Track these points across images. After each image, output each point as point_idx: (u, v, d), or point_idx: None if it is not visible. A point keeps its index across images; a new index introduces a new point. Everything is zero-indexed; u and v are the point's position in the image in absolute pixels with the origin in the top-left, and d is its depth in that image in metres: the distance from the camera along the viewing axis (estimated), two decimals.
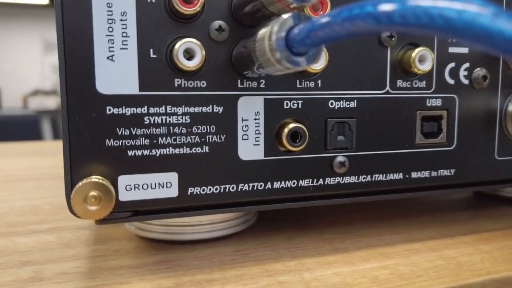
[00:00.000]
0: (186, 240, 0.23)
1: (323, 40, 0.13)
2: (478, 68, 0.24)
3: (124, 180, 0.19)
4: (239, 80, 0.20)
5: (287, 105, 0.21)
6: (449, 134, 0.24)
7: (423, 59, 0.22)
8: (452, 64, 0.23)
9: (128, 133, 0.19)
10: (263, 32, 0.15)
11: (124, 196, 0.19)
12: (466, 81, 0.24)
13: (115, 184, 0.19)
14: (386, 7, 0.11)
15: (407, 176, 0.23)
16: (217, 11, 0.19)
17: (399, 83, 0.22)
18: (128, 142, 0.19)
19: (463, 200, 0.32)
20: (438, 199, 0.32)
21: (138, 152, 0.19)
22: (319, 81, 0.21)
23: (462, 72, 0.24)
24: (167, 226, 0.22)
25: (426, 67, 0.22)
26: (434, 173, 0.24)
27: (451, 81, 0.23)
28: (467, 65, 0.24)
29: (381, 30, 0.11)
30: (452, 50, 0.23)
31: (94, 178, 0.18)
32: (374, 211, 0.28)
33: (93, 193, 0.17)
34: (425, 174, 0.23)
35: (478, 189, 0.26)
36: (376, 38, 0.22)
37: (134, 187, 0.19)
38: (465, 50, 0.24)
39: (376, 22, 0.11)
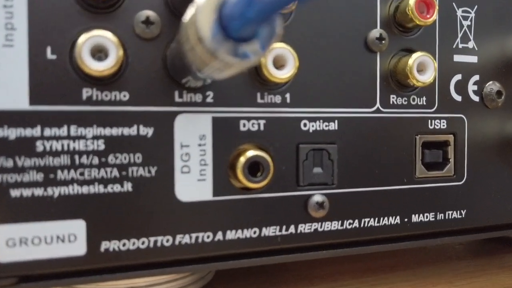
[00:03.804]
0: None
1: (274, 6, 0.08)
2: (491, 82, 0.20)
3: (4, 231, 0.14)
4: (176, 92, 0.15)
5: (244, 126, 0.16)
6: (457, 165, 0.20)
7: (422, 67, 0.18)
8: (459, 76, 0.20)
9: (11, 164, 0.14)
10: (188, 13, 0.10)
11: (5, 255, 0.14)
12: (476, 98, 0.20)
13: None
14: None
15: (406, 220, 0.19)
16: None
17: (393, 99, 0.19)
18: (11, 178, 0.14)
19: (470, 245, 0.28)
20: (440, 245, 0.28)
21: (27, 192, 0.14)
22: (288, 95, 0.17)
23: (471, 87, 0.20)
24: None
25: (426, 78, 0.18)
26: (440, 216, 0.20)
27: (458, 98, 0.20)
28: (476, 77, 0.20)
29: None
30: (457, 58, 0.20)
31: None
32: (364, 263, 0.24)
33: None
34: (429, 217, 0.19)
35: (495, 235, 0.21)
36: (362, 41, 0.17)
37: (20, 241, 0.14)
38: (473, 59, 0.20)
39: None
